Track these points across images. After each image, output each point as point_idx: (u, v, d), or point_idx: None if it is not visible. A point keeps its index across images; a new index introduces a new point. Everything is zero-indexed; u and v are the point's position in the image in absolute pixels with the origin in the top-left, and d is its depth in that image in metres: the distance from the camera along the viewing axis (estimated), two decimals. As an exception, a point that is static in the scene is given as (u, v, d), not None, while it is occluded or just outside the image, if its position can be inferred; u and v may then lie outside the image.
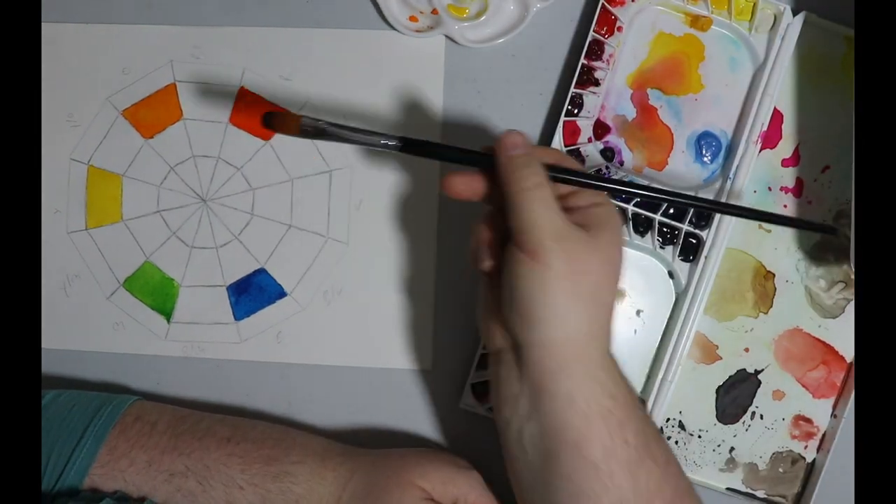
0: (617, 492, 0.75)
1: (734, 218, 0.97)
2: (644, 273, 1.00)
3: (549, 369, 0.77)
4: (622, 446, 0.76)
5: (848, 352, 1.00)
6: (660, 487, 0.77)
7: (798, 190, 1.00)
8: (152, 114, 1.05)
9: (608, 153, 1.00)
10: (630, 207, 0.98)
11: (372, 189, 1.04)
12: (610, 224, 0.79)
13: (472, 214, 0.98)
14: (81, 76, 1.06)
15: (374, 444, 1.00)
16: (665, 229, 0.98)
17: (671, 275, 1.00)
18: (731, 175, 0.97)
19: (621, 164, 1.00)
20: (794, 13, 0.97)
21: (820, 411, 1.00)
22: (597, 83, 0.98)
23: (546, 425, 0.77)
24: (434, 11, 1.01)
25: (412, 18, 1.02)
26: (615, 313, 0.81)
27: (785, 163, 1.00)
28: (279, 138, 1.04)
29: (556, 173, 0.81)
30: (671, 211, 0.98)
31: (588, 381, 0.77)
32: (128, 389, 1.05)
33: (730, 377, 1.01)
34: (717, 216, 0.97)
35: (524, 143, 0.81)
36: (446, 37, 1.02)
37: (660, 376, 0.98)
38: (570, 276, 0.76)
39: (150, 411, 0.95)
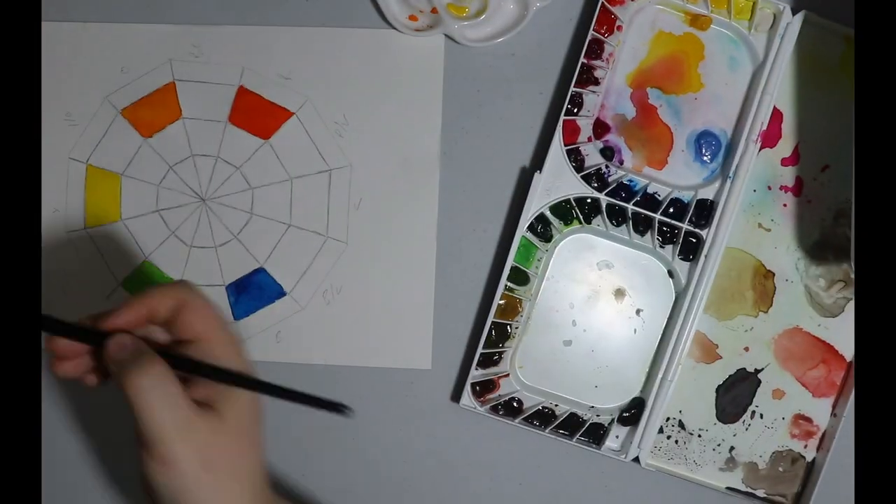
0: None
1: (734, 217, 0.97)
2: (644, 272, 1.01)
3: None
4: None
5: (848, 351, 1.00)
6: None
7: (798, 189, 1.00)
8: (151, 113, 1.05)
9: (608, 152, 1.00)
10: (630, 206, 0.98)
11: (371, 188, 1.03)
12: (234, 391, 0.77)
13: (461, 213, 0.99)
14: (80, 75, 1.05)
15: (373, 445, 1.03)
16: (665, 228, 0.98)
17: (671, 274, 1.00)
18: (730, 174, 0.97)
19: (621, 163, 1.00)
20: (794, 12, 0.97)
21: (820, 410, 1.01)
22: (596, 82, 0.98)
23: None
24: (434, 10, 1.00)
25: (412, 17, 1.02)
26: (261, 461, 0.80)
27: (784, 162, 1.00)
28: (279, 137, 1.04)
29: (178, 359, 0.76)
30: (671, 210, 0.98)
31: None
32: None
33: (730, 376, 1.01)
34: (718, 215, 0.97)
35: (131, 341, 0.76)
36: (446, 36, 1.02)
37: (660, 375, 0.98)
38: (206, 469, 0.74)
39: None
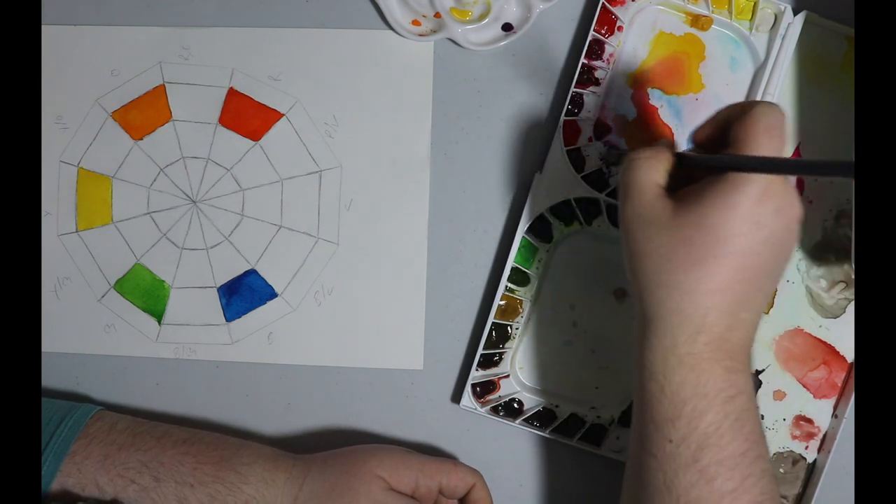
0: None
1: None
2: (644, 273, 1.00)
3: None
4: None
5: (849, 352, 1.00)
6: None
7: (799, 189, 1.00)
8: (142, 115, 1.04)
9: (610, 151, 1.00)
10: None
11: (362, 189, 1.03)
12: (718, 198, 0.74)
13: (462, 214, 0.99)
14: (70, 78, 1.04)
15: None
16: (665, 229, 0.98)
17: (671, 275, 1.00)
18: (731, 175, 0.97)
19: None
20: (795, 13, 0.97)
21: (821, 412, 1.01)
22: (597, 83, 0.98)
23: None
24: (437, 15, 1.00)
25: (415, 22, 1.02)
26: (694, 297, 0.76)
27: (786, 162, 1.00)
28: (269, 138, 1.03)
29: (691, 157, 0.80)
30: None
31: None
32: (126, 392, 1.05)
33: (730, 377, 1.00)
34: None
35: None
36: (449, 40, 1.01)
37: (660, 377, 0.98)
38: (634, 257, 0.77)
39: (112, 415, 0.96)
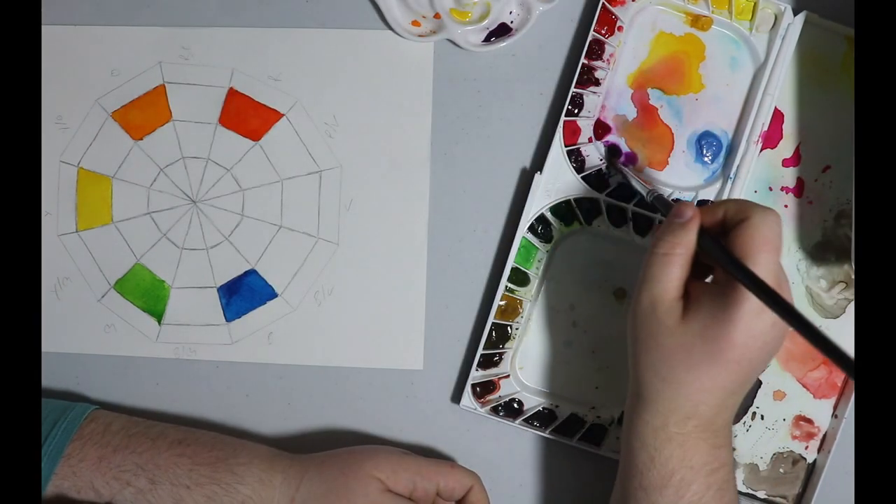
0: None
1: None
2: (644, 273, 1.00)
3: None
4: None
5: (849, 352, 0.99)
6: None
7: (799, 190, 1.00)
8: (142, 115, 1.04)
9: (614, 151, 1.00)
10: (630, 207, 0.97)
11: (362, 189, 1.03)
12: (721, 311, 0.78)
13: (461, 214, 0.99)
14: (70, 78, 1.04)
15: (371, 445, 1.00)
16: (666, 230, 0.97)
17: (672, 275, 0.99)
18: (731, 175, 0.97)
19: (625, 164, 1.00)
20: (795, 13, 0.97)
21: (821, 412, 1.01)
22: (597, 83, 0.98)
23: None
24: (436, 16, 1.00)
25: (415, 23, 1.01)
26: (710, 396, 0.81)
27: (786, 163, 1.00)
28: (269, 138, 1.03)
29: (710, 245, 0.81)
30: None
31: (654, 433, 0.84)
32: (126, 392, 1.05)
33: (730, 377, 1.00)
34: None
35: (690, 212, 0.83)
36: (449, 40, 1.01)
37: (660, 377, 0.97)
38: (638, 345, 0.84)
39: (107, 416, 0.96)
